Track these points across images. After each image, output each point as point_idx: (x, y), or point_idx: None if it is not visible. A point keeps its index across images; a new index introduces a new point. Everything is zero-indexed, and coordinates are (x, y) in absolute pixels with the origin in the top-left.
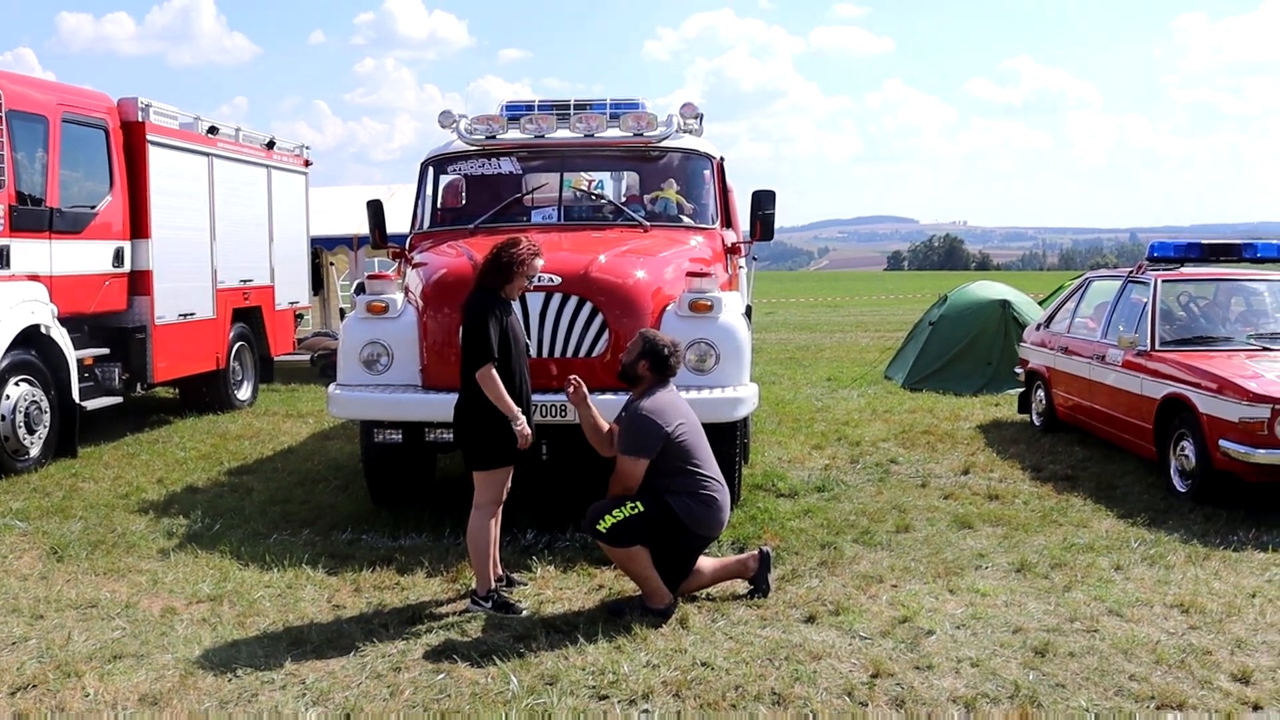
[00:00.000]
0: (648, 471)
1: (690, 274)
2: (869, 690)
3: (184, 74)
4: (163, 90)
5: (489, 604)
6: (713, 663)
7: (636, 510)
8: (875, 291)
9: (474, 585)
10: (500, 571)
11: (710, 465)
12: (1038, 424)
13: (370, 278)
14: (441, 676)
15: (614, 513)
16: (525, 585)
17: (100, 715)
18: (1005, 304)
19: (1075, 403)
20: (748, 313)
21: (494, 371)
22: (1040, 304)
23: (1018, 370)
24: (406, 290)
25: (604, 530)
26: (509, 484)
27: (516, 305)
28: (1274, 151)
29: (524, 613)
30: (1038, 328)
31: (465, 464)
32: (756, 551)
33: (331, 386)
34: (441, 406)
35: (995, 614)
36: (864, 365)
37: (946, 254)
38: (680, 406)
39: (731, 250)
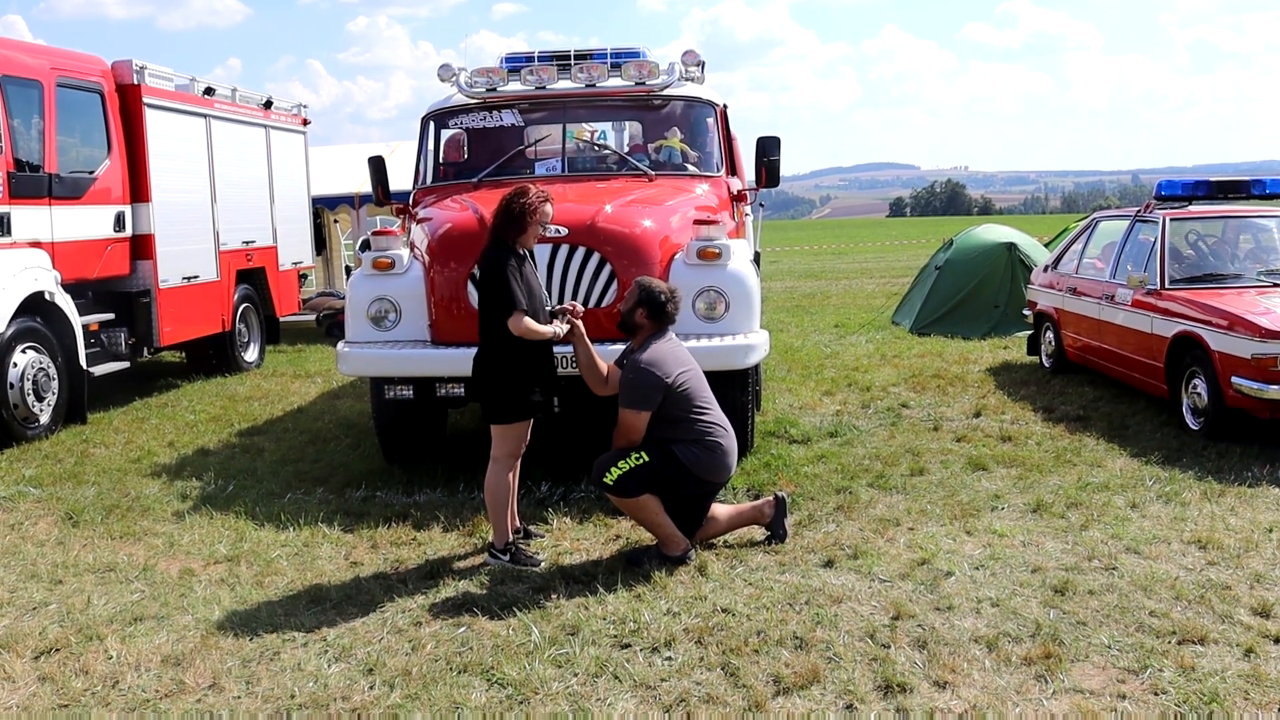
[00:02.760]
0: (651, 422)
1: (698, 222)
2: (890, 632)
3: (176, 37)
4: (155, 54)
5: (506, 557)
6: (733, 609)
7: (642, 461)
8: (878, 238)
9: (491, 538)
10: (518, 524)
11: (713, 411)
12: (1047, 365)
13: (375, 234)
14: (463, 630)
15: (619, 464)
16: (543, 538)
17: (124, 677)
18: (1011, 246)
19: (1085, 343)
20: (756, 260)
21: (525, 318)
22: (1046, 246)
23: (1026, 312)
24: (412, 246)
25: (610, 482)
26: (527, 438)
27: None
28: (1276, 88)
29: (541, 565)
30: (1045, 269)
31: (483, 416)
32: (772, 498)
33: (340, 344)
34: (451, 361)
35: (1013, 554)
36: (871, 311)
37: (948, 199)
38: (680, 355)
39: (738, 198)
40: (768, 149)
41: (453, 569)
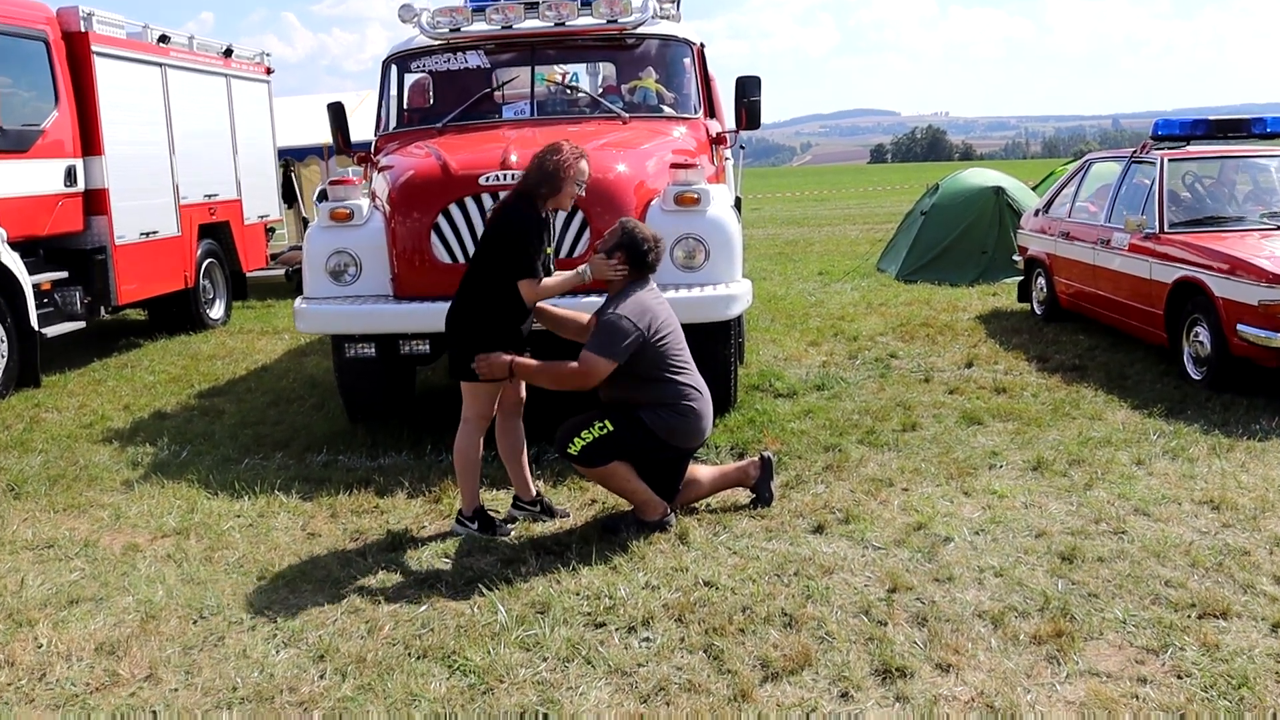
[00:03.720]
0: (620, 381)
1: (675, 166)
2: (887, 607)
3: None
4: (125, 9)
5: (475, 524)
6: (717, 581)
7: (605, 430)
8: (860, 184)
9: (459, 504)
10: (533, 493)
11: (689, 372)
12: (1039, 313)
13: (333, 183)
14: (424, 608)
15: (583, 434)
16: (568, 516)
17: (53, 668)
18: (999, 191)
19: (1078, 290)
20: (737, 205)
21: (543, 280)
22: (1033, 189)
23: (1016, 258)
24: (373, 195)
25: (575, 453)
26: (522, 396)
27: (490, 205)
28: (1256, 31)
29: (511, 534)
30: (1036, 214)
31: (451, 373)
32: (757, 458)
33: (298, 300)
34: (415, 317)
35: (1015, 517)
36: (855, 258)
37: (929, 145)
38: (660, 308)
39: (717, 141)
40: (748, 89)
41: (415, 540)
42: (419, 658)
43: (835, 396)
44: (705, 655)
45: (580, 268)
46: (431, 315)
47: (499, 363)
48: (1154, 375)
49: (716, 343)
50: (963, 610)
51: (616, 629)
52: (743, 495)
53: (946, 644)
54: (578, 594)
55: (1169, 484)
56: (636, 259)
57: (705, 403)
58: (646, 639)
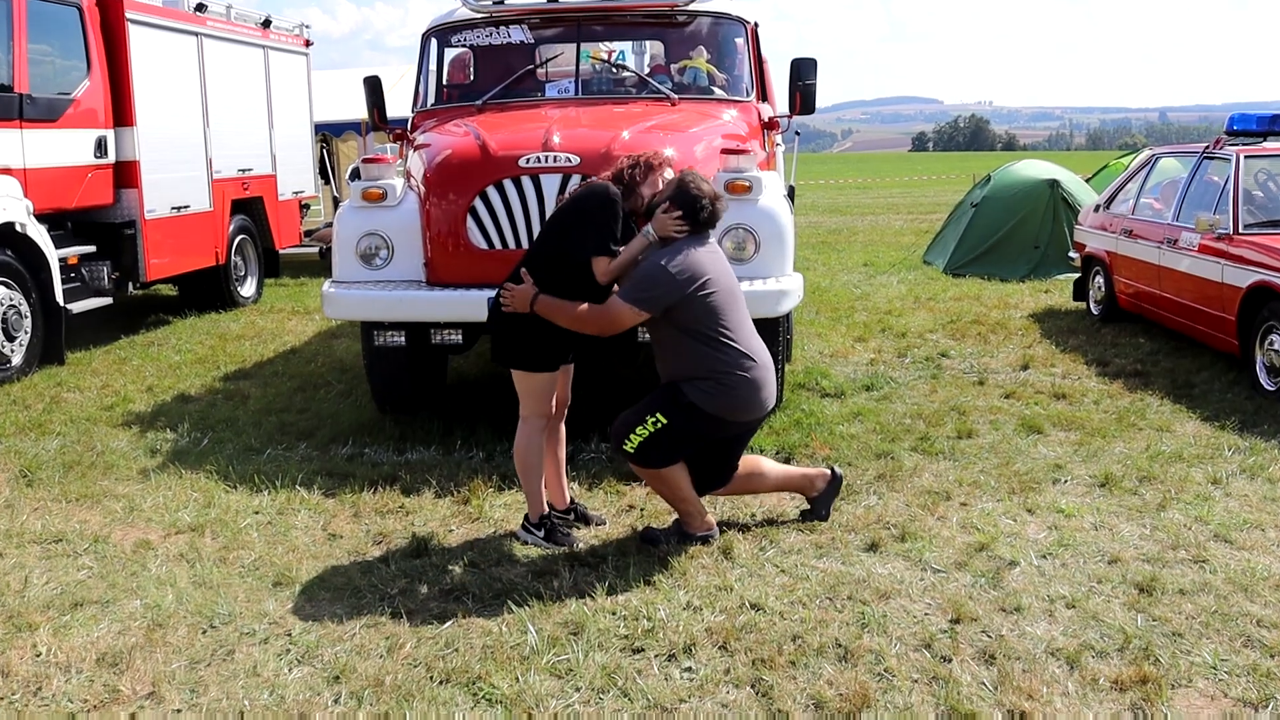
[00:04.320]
0: (668, 343)
1: (725, 151)
2: (951, 641)
3: None
4: None
5: (540, 532)
6: (764, 604)
7: (660, 424)
8: (902, 173)
9: (526, 510)
10: (568, 500)
11: (742, 337)
12: (1096, 313)
13: (366, 161)
14: (449, 625)
15: (637, 430)
16: (604, 523)
17: (50, 681)
18: (1054, 184)
19: (1140, 290)
20: (790, 194)
21: (613, 260)
22: (1087, 182)
23: (1073, 255)
24: (408, 175)
25: (631, 450)
26: (567, 397)
27: (530, 188)
28: None
29: (578, 546)
30: (1096, 209)
31: (500, 359)
32: (829, 470)
33: (326, 284)
34: (449, 305)
35: (1084, 540)
36: (900, 249)
37: (972, 135)
38: (711, 265)
39: (769, 126)
40: (803, 72)
41: (442, 545)
42: (441, 682)
43: (885, 398)
44: (753, 691)
45: (645, 229)
46: (465, 303)
47: (523, 293)
48: (1223, 384)
49: (764, 340)
50: (1034, 647)
51: (656, 655)
52: (790, 505)
53: (1018, 687)
54: (614, 613)
55: (1249, 507)
56: (691, 215)
57: (762, 370)
58: (688, 669)
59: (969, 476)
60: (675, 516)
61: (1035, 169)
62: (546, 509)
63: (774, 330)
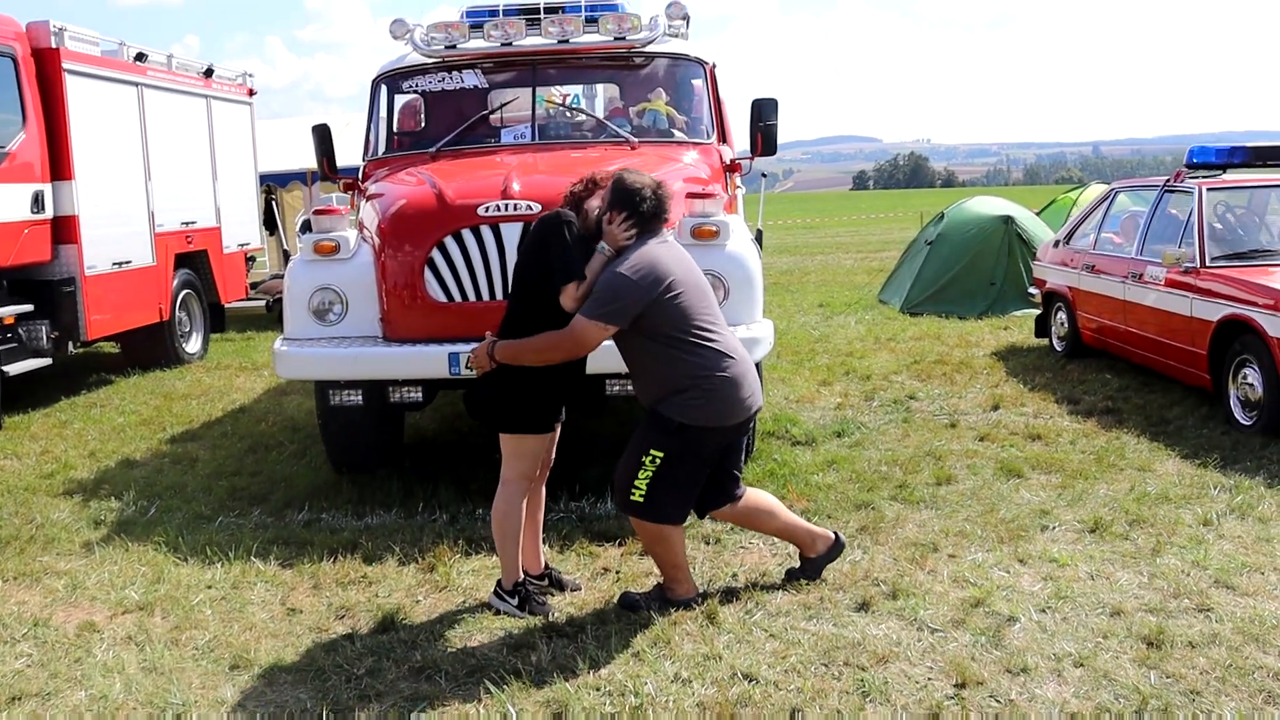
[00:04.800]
0: (641, 358)
1: (690, 195)
2: (960, 708)
3: (129, 14)
4: (109, 31)
5: (514, 600)
6: (756, 673)
7: (658, 460)
8: (846, 211)
9: (499, 577)
10: (543, 565)
11: (718, 337)
12: (1059, 349)
13: (317, 213)
14: (419, 710)
15: (640, 476)
16: (579, 589)
17: None
18: (1008, 220)
19: (1105, 325)
20: (758, 239)
21: (580, 285)
22: (1038, 215)
23: (1033, 291)
24: (360, 226)
25: (641, 499)
26: (551, 455)
27: (490, 238)
28: (1233, 59)
29: (554, 614)
30: (1056, 245)
31: (488, 424)
32: (833, 535)
33: (277, 341)
34: (407, 361)
35: (1082, 591)
36: (854, 289)
37: (911, 172)
38: (673, 262)
39: (730, 168)
40: (764, 112)
41: (409, 619)
42: None
43: (858, 444)
44: None
45: (599, 245)
46: (424, 360)
47: (481, 349)
48: (1197, 420)
49: None
50: (1047, 712)
51: None
52: (773, 564)
53: None
54: (598, 689)
55: (1245, 549)
56: (633, 211)
57: (741, 365)
58: None
59: (954, 526)
60: (656, 580)
61: (988, 205)
62: (522, 575)
63: None
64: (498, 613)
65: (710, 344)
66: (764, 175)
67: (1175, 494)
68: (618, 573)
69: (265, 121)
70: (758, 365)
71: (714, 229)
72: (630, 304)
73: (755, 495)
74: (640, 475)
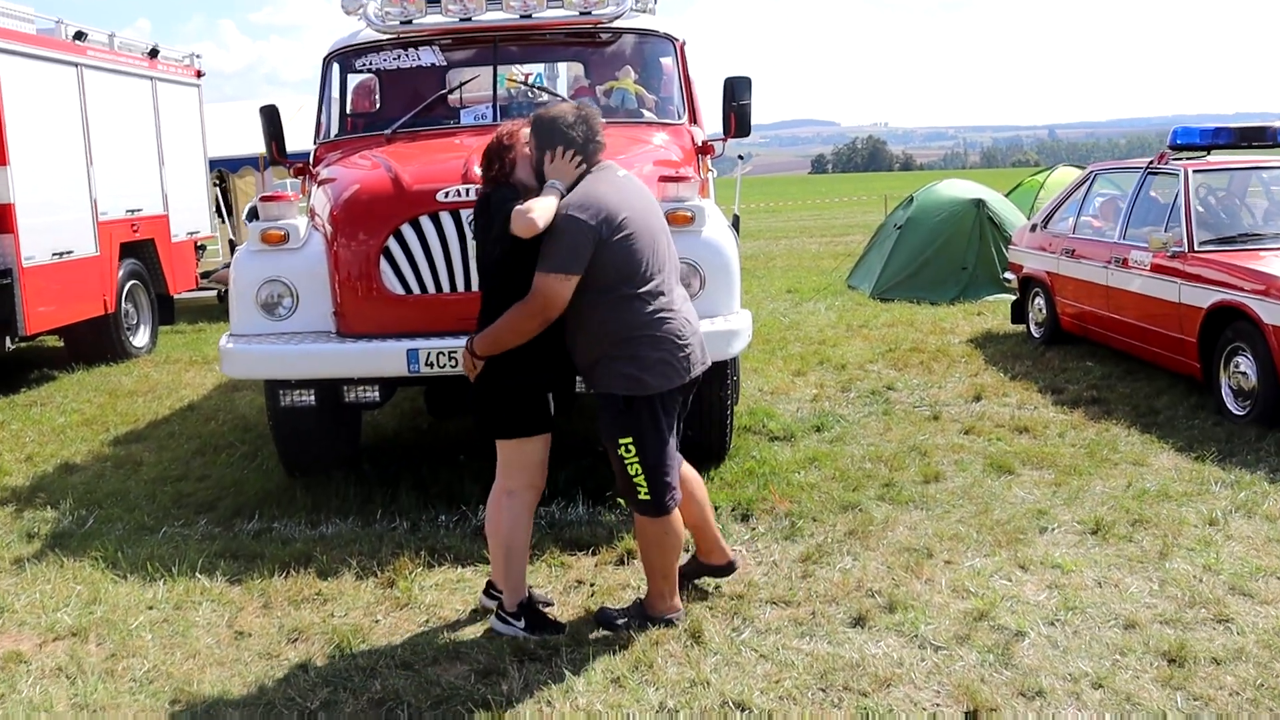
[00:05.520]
0: (581, 315)
1: (663, 179)
2: None
3: None
4: (58, 13)
5: (521, 623)
6: (748, 701)
7: (632, 447)
8: (807, 195)
9: (500, 597)
10: (526, 593)
11: (662, 287)
12: (1037, 335)
13: (264, 200)
14: None
15: (631, 474)
16: (551, 604)
17: None
18: (980, 203)
19: (1085, 311)
20: (735, 224)
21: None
22: (1006, 197)
23: (1009, 276)
24: (311, 213)
25: (648, 496)
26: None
27: (450, 225)
28: (1184, 43)
29: (564, 631)
30: (1033, 229)
31: (479, 429)
32: (732, 559)
33: (223, 338)
34: (362, 359)
35: (1091, 601)
36: (821, 274)
37: (869, 156)
38: (616, 196)
39: (703, 150)
40: (737, 91)
41: (367, 641)
42: None
43: (839, 439)
44: None
45: (549, 183)
46: (381, 356)
47: (463, 355)
48: (1187, 409)
49: (711, 385)
50: None
51: None
52: (759, 573)
53: None
54: None
55: (1256, 551)
56: (569, 143)
57: (679, 323)
58: None
59: (947, 528)
60: (636, 595)
61: (959, 189)
62: (527, 594)
63: (721, 374)
64: (500, 636)
65: (642, 298)
66: (741, 157)
67: (1175, 491)
68: (592, 585)
69: (216, 105)
70: (735, 358)
71: (689, 214)
72: (584, 246)
73: (689, 473)
74: (631, 470)
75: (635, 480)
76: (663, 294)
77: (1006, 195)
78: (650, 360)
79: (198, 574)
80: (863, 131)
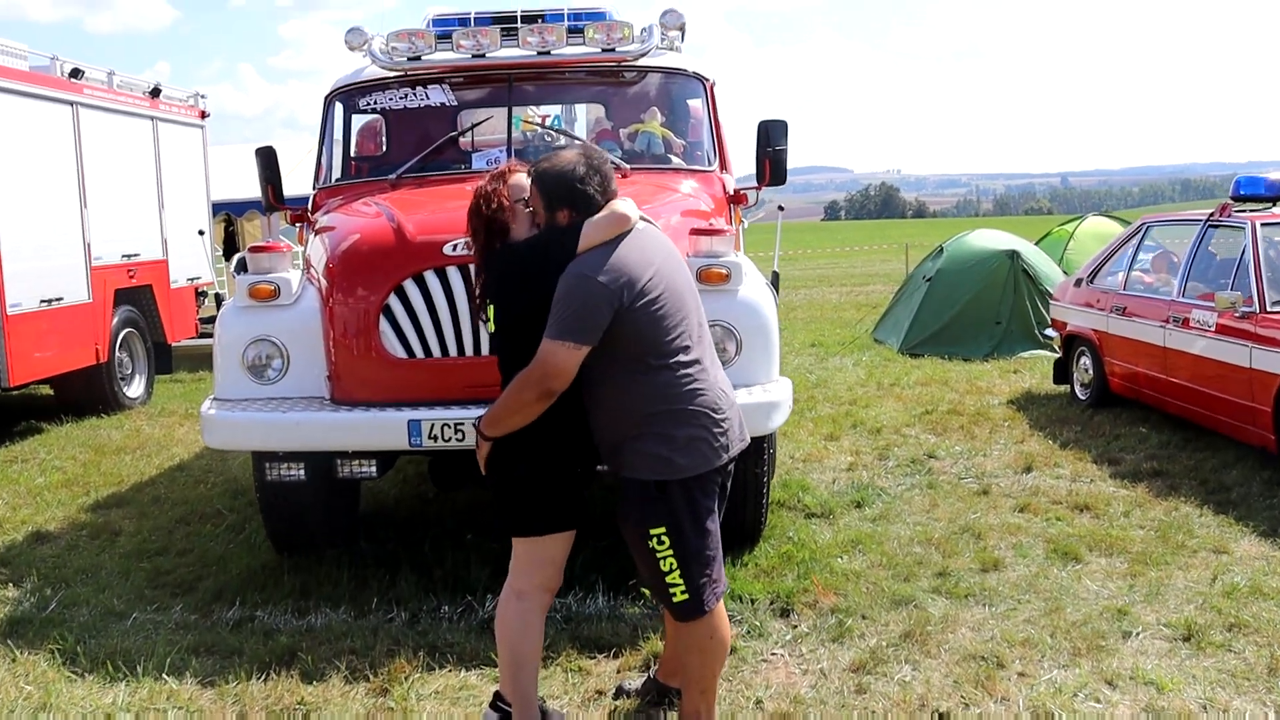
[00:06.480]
0: (599, 388)
1: (695, 232)
2: None
3: (103, 40)
4: (82, 57)
5: None
6: None
7: (665, 540)
8: (824, 243)
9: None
10: (538, 708)
11: (693, 347)
12: (1083, 398)
13: (253, 250)
14: None
15: (665, 571)
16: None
17: None
18: (1013, 255)
19: (1139, 373)
20: (774, 282)
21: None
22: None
23: (1051, 334)
24: (307, 265)
25: (687, 597)
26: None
27: (458, 281)
28: (1194, 92)
29: None
30: (1078, 283)
31: (497, 526)
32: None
33: (205, 404)
34: (358, 429)
35: None
36: (845, 326)
37: (883, 202)
38: (639, 255)
39: (735, 199)
40: (772, 136)
41: None
42: None
43: (882, 517)
44: None
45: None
46: (379, 427)
47: (476, 441)
48: (1261, 485)
49: (746, 460)
50: None
51: None
52: (804, 684)
53: None
54: None
55: None
56: (587, 201)
57: (713, 395)
58: None
59: (1016, 630)
60: (662, 709)
61: (991, 239)
62: (538, 709)
63: (758, 448)
64: None
65: (671, 368)
66: (780, 208)
67: (1270, 587)
68: (615, 700)
69: (227, 146)
70: (772, 434)
71: (724, 271)
72: (599, 314)
73: None
74: (665, 565)
75: (669, 578)
76: (697, 362)
77: (1040, 240)
78: (682, 439)
79: (165, 674)
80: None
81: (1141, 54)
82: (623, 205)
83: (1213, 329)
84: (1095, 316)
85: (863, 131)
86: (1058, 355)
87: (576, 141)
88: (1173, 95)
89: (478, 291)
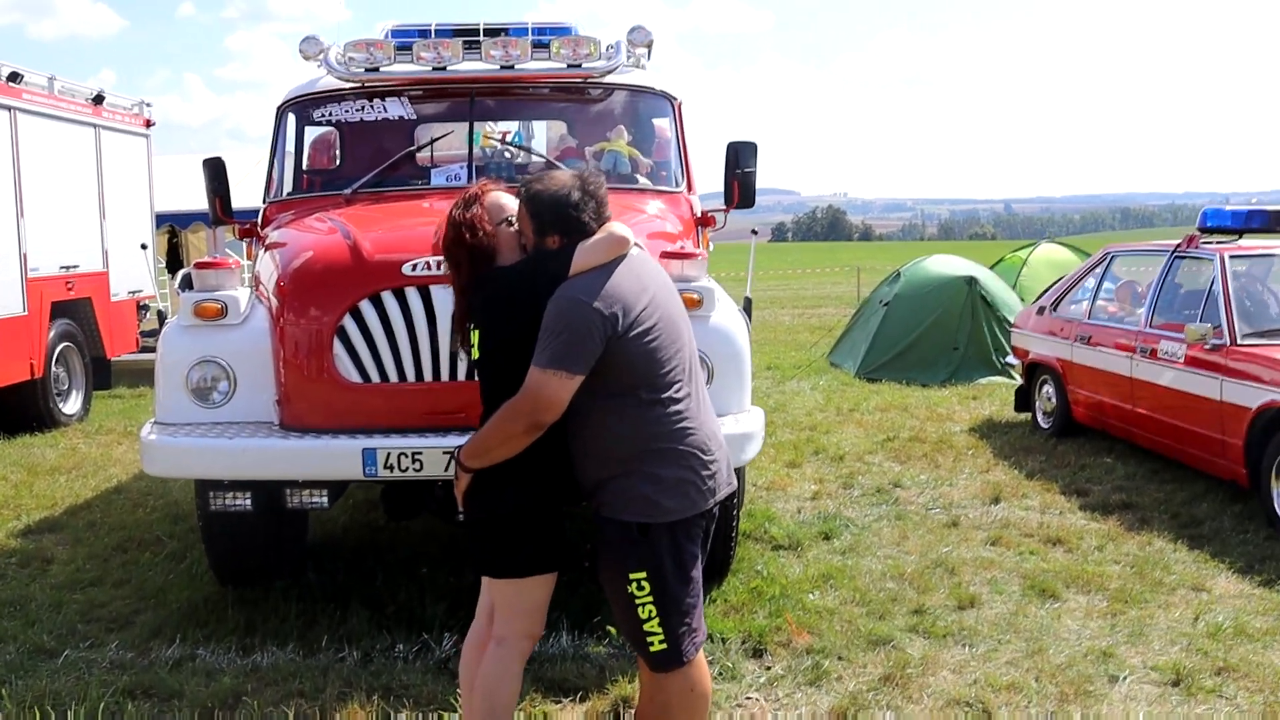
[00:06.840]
0: (584, 420)
1: (666, 255)
2: None
3: (45, 47)
4: (23, 63)
5: None
6: None
7: (646, 585)
8: (774, 265)
9: None
10: None
11: (685, 382)
12: (1046, 426)
13: (199, 266)
14: None
15: (643, 618)
16: None
17: None
18: (971, 281)
19: (1104, 404)
20: (746, 308)
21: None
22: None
23: (1013, 361)
24: (256, 282)
25: (665, 646)
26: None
27: (417, 303)
28: (1138, 122)
29: None
30: (1040, 311)
31: (474, 565)
32: None
33: (145, 428)
34: (309, 458)
35: None
36: (800, 348)
37: (830, 225)
38: (633, 282)
39: (703, 221)
40: (742, 157)
41: None
42: None
43: (851, 550)
44: None
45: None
46: (331, 456)
47: (456, 474)
48: (1233, 520)
49: None
50: None
51: None
52: None
53: None
54: None
55: None
56: (581, 228)
57: (702, 437)
58: None
59: (999, 673)
60: None
61: (949, 265)
62: None
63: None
64: None
65: (663, 403)
66: (754, 231)
67: (1254, 628)
68: None
69: (171, 156)
70: (740, 471)
71: (696, 297)
72: (592, 342)
73: None
74: (643, 612)
75: (647, 626)
76: (688, 396)
77: (994, 265)
78: (670, 481)
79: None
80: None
81: (1085, 86)
82: (619, 227)
83: (1182, 361)
84: (1059, 345)
85: (810, 155)
86: (1018, 383)
87: (542, 157)
88: (1114, 126)
89: (456, 316)
